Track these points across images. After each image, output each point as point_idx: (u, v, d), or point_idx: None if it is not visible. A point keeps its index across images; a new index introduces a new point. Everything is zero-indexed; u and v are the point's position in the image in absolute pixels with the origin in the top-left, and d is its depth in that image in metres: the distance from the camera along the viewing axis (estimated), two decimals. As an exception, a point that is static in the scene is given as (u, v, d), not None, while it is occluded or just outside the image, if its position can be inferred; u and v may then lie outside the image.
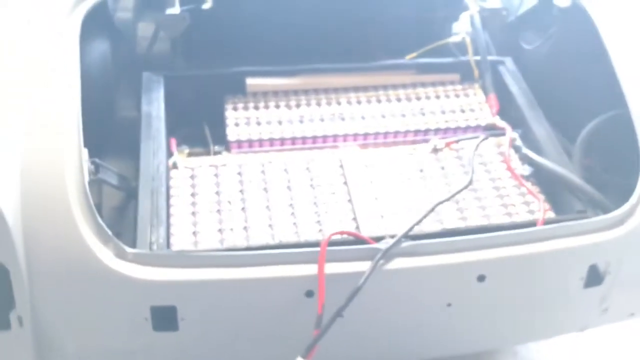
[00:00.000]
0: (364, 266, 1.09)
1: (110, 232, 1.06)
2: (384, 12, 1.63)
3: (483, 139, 1.40)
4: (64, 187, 1.04)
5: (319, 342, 1.06)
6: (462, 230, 1.21)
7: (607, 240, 1.18)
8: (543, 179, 1.36)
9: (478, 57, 1.57)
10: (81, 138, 1.09)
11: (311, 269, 1.08)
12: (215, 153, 1.42)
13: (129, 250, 1.06)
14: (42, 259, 1.03)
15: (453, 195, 1.26)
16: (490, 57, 1.57)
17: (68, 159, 1.06)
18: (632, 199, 1.20)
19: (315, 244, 1.13)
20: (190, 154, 1.42)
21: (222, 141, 1.44)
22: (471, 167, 1.33)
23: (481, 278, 1.14)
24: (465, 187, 1.28)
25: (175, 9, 1.39)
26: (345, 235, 1.17)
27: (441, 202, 1.23)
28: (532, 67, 1.58)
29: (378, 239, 1.16)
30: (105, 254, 1.05)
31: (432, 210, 1.21)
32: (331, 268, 1.08)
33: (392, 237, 1.15)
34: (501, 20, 1.54)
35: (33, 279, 1.03)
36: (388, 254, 1.09)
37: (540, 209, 1.24)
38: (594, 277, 1.22)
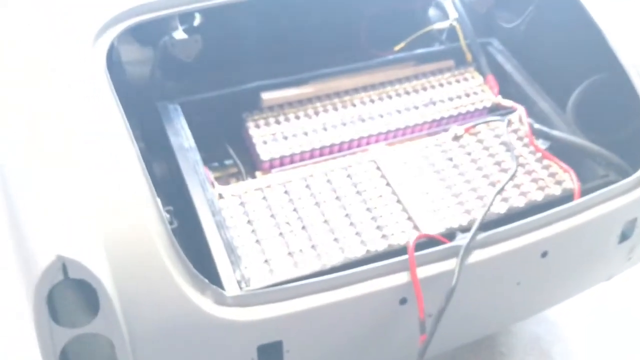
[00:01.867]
0: (448, 265, 1.15)
1: (205, 280, 1.03)
2: (368, 9, 1.66)
3: (505, 119, 1.47)
4: (152, 243, 0.99)
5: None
6: (518, 213, 1.28)
7: (637, 198, 1.32)
8: (557, 150, 1.47)
9: (466, 41, 1.64)
10: (152, 188, 1.04)
11: (402, 277, 1.12)
12: (246, 175, 1.40)
13: (227, 294, 1.03)
14: (143, 322, 0.99)
15: (507, 182, 1.32)
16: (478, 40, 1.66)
17: (149, 214, 1.01)
18: None
19: (395, 251, 1.18)
20: (216, 179, 1.39)
21: (247, 161, 1.44)
22: (511, 150, 1.40)
23: (544, 254, 1.24)
24: (515, 172, 1.35)
25: (179, 32, 1.32)
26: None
27: (501, 190, 1.29)
28: (515, 45, 1.67)
29: (449, 236, 1.22)
30: (205, 303, 1.02)
31: (494, 199, 1.27)
32: (421, 272, 1.13)
33: (462, 231, 1.22)
34: (487, 3, 1.62)
35: (136, 344, 0.98)
36: (468, 249, 1.15)
37: (574, 179, 1.34)
38: (627, 233, 1.36)
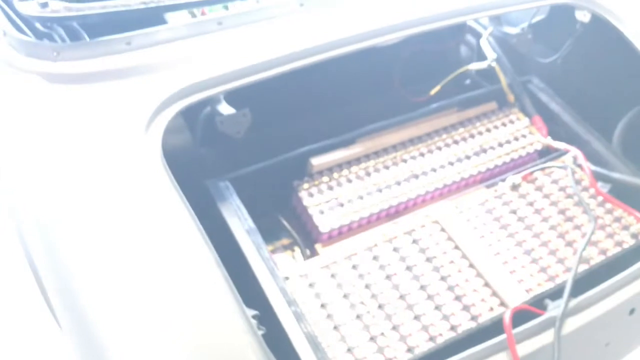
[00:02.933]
0: (543, 338, 1.09)
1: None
2: (399, 55, 1.60)
3: (567, 166, 1.42)
4: (246, 353, 0.91)
5: None
6: (597, 269, 1.24)
7: None
8: (616, 193, 1.42)
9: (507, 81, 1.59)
10: (237, 295, 0.96)
11: (501, 358, 1.06)
12: (304, 246, 1.33)
13: (328, 402, 0.96)
14: None
15: (588, 240, 1.26)
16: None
17: (238, 325, 0.92)
18: None
19: (485, 328, 1.11)
20: (270, 251, 1.31)
21: (300, 230, 1.36)
22: (583, 203, 1.35)
23: (632, 311, 1.19)
24: (594, 228, 1.29)
25: (225, 106, 1.24)
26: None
27: (584, 249, 1.24)
28: (553, 79, 1.63)
29: (536, 304, 1.16)
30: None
31: (579, 262, 1.21)
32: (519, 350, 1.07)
33: (546, 296, 1.17)
34: (525, 42, 1.57)
35: None
36: (563, 319, 1.10)
37: (646, 225, 1.31)
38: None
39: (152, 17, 1.33)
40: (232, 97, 1.28)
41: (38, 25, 1.23)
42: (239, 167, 1.37)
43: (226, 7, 1.42)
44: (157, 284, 0.93)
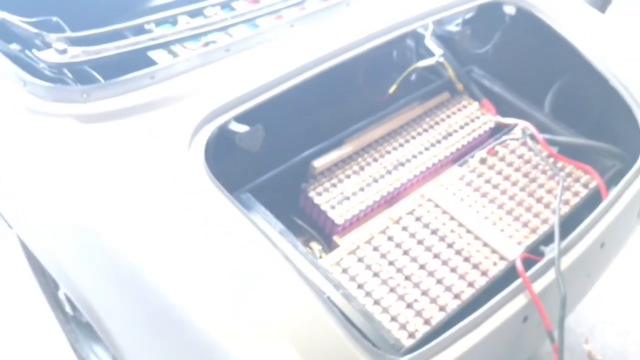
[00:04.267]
0: (547, 278, 1.31)
1: (380, 351, 1.09)
2: (361, 64, 1.79)
3: (519, 137, 1.66)
4: (336, 335, 1.05)
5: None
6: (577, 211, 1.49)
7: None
8: (562, 153, 1.69)
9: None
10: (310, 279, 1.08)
11: (521, 299, 1.26)
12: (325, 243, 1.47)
13: (402, 359, 1.11)
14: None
15: (562, 190, 1.50)
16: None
17: (319, 306, 1.06)
18: None
19: (495, 279, 1.33)
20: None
21: (314, 229, 1.50)
22: (546, 161, 1.59)
23: (602, 245, 1.45)
24: (563, 179, 1.53)
25: (236, 125, 1.35)
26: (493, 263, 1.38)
27: (561, 198, 1.48)
28: (488, 67, 1.89)
29: (533, 252, 1.38)
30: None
31: (559, 207, 1.45)
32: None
33: (544, 246, 1.39)
34: (466, 37, 1.81)
35: None
36: (559, 258, 1.32)
37: (595, 176, 1.57)
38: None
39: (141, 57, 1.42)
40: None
41: (47, 72, 1.28)
42: (246, 179, 1.49)
43: (199, 39, 1.54)
44: (244, 284, 1.05)
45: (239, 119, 1.39)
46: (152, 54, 1.46)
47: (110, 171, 1.16)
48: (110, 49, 1.25)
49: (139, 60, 1.36)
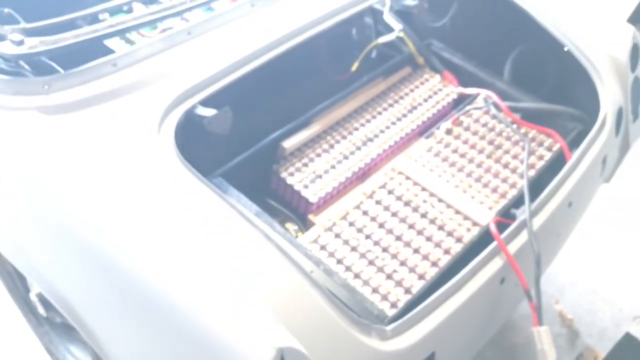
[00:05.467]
0: (521, 239, 1.34)
1: (366, 321, 1.10)
2: (321, 42, 1.78)
3: (487, 104, 1.68)
4: (321, 308, 1.05)
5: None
6: (542, 174, 1.52)
7: (605, 137, 1.62)
8: (525, 118, 1.73)
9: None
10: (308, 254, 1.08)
11: (497, 262, 1.29)
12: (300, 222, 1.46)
13: (387, 327, 1.12)
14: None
15: (528, 155, 1.54)
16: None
17: (304, 282, 1.06)
18: (601, 114, 1.62)
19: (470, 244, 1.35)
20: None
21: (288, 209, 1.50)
22: (510, 128, 1.61)
23: (570, 204, 1.49)
24: (529, 145, 1.56)
25: (203, 109, 1.33)
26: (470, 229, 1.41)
27: (527, 163, 1.51)
28: (447, 40, 1.90)
29: (505, 215, 1.41)
30: (375, 343, 1.10)
31: (527, 170, 1.49)
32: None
33: (515, 209, 1.42)
34: (423, 11, 1.82)
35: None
36: (531, 220, 1.35)
37: (558, 138, 1.61)
38: (603, 165, 1.66)
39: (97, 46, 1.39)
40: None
41: (3, 64, 1.23)
42: (216, 163, 1.48)
43: (155, 27, 1.51)
44: (226, 265, 1.04)
45: (206, 102, 1.38)
46: (109, 42, 1.43)
47: (81, 162, 1.13)
48: (68, 38, 1.22)
49: (95, 50, 1.33)
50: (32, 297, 1.60)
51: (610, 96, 1.65)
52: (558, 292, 2.12)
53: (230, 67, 1.31)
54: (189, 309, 1.00)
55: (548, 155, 1.60)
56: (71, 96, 1.17)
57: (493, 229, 1.32)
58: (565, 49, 1.70)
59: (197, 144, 1.44)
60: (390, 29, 1.85)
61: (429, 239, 1.40)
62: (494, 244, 1.29)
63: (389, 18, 1.84)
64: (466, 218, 1.45)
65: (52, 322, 1.67)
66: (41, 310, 1.59)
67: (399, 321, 1.15)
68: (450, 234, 1.41)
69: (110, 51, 1.43)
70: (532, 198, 1.42)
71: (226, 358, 0.94)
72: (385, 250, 1.37)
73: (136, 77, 1.22)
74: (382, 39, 1.84)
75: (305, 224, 1.49)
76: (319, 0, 1.50)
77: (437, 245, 1.38)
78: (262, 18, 1.41)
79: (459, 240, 1.40)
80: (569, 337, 2.00)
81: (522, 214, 1.37)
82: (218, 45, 1.33)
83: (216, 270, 1.03)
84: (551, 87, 1.82)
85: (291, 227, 1.49)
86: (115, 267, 1.05)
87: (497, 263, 1.28)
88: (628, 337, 1.93)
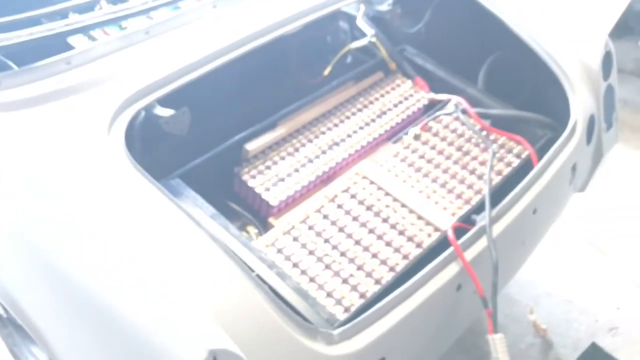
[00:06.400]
0: (480, 245, 1.32)
1: (313, 325, 1.09)
2: (291, 45, 1.78)
3: (456, 110, 1.67)
4: (264, 311, 1.03)
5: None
6: (510, 179, 1.50)
7: (575, 145, 1.61)
8: (495, 125, 1.71)
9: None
10: (239, 258, 1.07)
11: (454, 268, 1.27)
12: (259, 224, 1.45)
13: (334, 332, 1.10)
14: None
15: (492, 159, 1.52)
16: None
17: (247, 284, 1.04)
18: (571, 121, 1.60)
19: (430, 249, 1.34)
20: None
21: (248, 212, 1.48)
22: (479, 134, 1.60)
23: (535, 211, 1.47)
24: (495, 150, 1.55)
25: (161, 109, 1.32)
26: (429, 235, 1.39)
27: (492, 168, 1.50)
28: (421, 46, 1.90)
29: (466, 221, 1.39)
30: (321, 347, 1.08)
31: (490, 175, 1.48)
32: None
33: (476, 215, 1.40)
34: (396, 16, 1.81)
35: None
36: (491, 226, 1.33)
37: (527, 146, 1.59)
38: (572, 173, 1.64)
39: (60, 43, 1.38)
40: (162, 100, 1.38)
41: None
42: (178, 164, 1.46)
43: (121, 27, 1.50)
44: (167, 268, 1.03)
45: (165, 103, 1.37)
46: (71, 40, 1.42)
47: (28, 161, 1.12)
48: (23, 35, 1.21)
49: (58, 47, 1.33)
50: (-7, 297, 1.59)
51: (581, 104, 1.64)
52: (533, 301, 2.09)
53: (187, 67, 1.30)
54: (124, 311, 0.98)
55: (516, 162, 1.59)
56: (22, 93, 1.17)
57: (450, 234, 1.30)
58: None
59: (158, 145, 1.43)
60: (363, 34, 1.85)
61: (388, 243, 1.38)
62: (450, 250, 1.28)
63: (362, 23, 1.83)
64: (428, 224, 1.43)
65: (14, 322, 1.66)
66: (1, 310, 1.57)
67: (347, 325, 1.13)
68: (410, 239, 1.39)
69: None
70: (497, 204, 1.41)
71: (157, 358, 0.93)
72: (343, 254, 1.35)
73: (90, 76, 1.21)
74: (355, 44, 1.84)
75: (266, 227, 1.48)
76: (283, 2, 1.49)
77: (397, 250, 1.37)
78: (224, 19, 1.40)
79: (419, 245, 1.38)
80: (542, 348, 1.98)
81: (482, 219, 1.36)
82: (177, 45, 1.33)
83: (155, 272, 1.02)
84: (525, 95, 1.81)
85: (252, 230, 1.48)
86: (57, 268, 1.04)
87: (453, 269, 1.26)
88: (594, 347, 1.91)
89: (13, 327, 1.70)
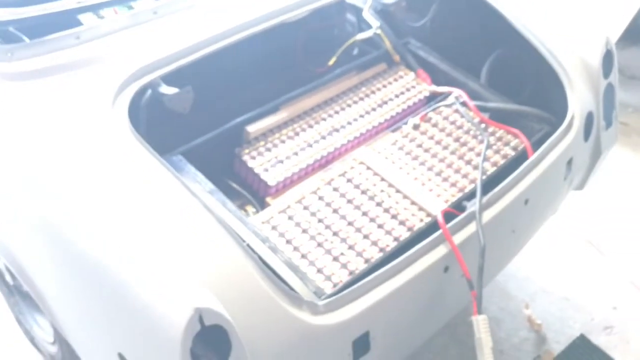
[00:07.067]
0: (468, 230, 1.36)
1: (299, 295, 1.13)
2: (299, 34, 1.83)
3: (455, 103, 1.71)
4: (253, 278, 1.08)
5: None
6: (505, 171, 1.53)
7: (571, 140, 1.63)
8: (494, 118, 1.74)
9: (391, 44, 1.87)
10: (231, 229, 1.12)
11: (442, 250, 1.31)
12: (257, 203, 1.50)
13: (320, 303, 1.15)
14: (261, 348, 1.07)
15: (486, 150, 1.56)
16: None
17: (238, 252, 1.09)
18: (568, 116, 1.63)
19: (419, 233, 1.37)
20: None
21: (249, 192, 1.53)
22: (476, 126, 1.64)
23: (526, 202, 1.50)
24: (488, 141, 1.59)
25: (166, 87, 1.38)
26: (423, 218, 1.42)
27: (484, 158, 1.54)
28: (426, 40, 1.93)
29: (457, 208, 1.43)
30: (306, 316, 1.13)
31: (482, 164, 1.52)
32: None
33: (463, 200, 1.44)
34: (401, 10, 1.85)
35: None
36: (480, 212, 1.37)
37: (523, 139, 1.62)
38: (568, 168, 1.67)
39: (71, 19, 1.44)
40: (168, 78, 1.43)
41: None
42: (181, 142, 1.51)
43: (130, 7, 1.56)
44: (163, 237, 1.08)
45: (171, 82, 1.42)
46: (82, 17, 1.48)
47: (36, 130, 1.18)
48: (36, 10, 1.27)
49: (69, 23, 1.38)
50: (0, 265, 1.65)
51: (579, 100, 1.67)
52: (529, 297, 2.11)
53: (193, 46, 1.35)
54: (119, 273, 1.03)
55: (511, 154, 1.62)
56: (32, 65, 1.23)
57: (439, 217, 1.34)
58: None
59: (163, 122, 1.48)
60: (370, 26, 1.89)
61: (380, 226, 1.42)
62: (439, 232, 1.31)
63: (368, 15, 1.87)
64: (421, 209, 1.47)
65: (20, 290, 1.72)
66: (8, 277, 1.64)
67: (333, 297, 1.17)
68: (402, 222, 1.43)
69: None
70: (488, 192, 1.44)
71: (147, 317, 0.98)
72: (335, 234, 1.39)
73: (97, 51, 1.27)
74: (360, 36, 1.88)
75: (263, 208, 1.52)
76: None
77: (388, 232, 1.41)
78: (231, 2, 1.45)
79: (409, 229, 1.42)
80: (535, 342, 2.00)
81: (472, 205, 1.39)
82: (183, 25, 1.38)
83: (150, 236, 1.07)
84: (526, 90, 1.83)
85: (250, 209, 1.52)
86: (60, 233, 1.10)
87: (441, 250, 1.30)
88: (582, 339, 1.92)
89: (20, 296, 1.77)
